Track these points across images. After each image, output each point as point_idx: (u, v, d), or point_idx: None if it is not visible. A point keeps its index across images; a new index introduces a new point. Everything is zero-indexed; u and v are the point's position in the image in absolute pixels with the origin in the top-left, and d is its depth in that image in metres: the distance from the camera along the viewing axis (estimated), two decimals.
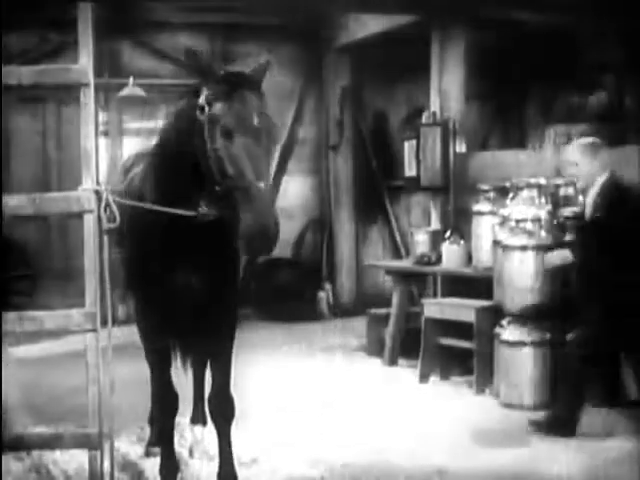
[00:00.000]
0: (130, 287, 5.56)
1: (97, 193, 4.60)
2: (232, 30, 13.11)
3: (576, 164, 6.81)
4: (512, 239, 7.80)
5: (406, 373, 9.21)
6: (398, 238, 13.92)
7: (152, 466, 5.94)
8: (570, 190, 8.18)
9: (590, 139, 7.04)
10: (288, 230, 13.44)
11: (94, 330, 4.63)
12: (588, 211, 6.82)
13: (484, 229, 8.76)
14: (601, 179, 6.76)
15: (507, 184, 8.49)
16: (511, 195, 8.26)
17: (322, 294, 13.52)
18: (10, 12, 5.55)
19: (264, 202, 4.28)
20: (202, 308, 5.14)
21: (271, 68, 4.75)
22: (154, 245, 5.03)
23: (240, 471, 5.56)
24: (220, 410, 5.35)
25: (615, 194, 6.70)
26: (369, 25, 12.24)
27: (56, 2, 9.76)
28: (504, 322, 7.93)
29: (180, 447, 6.16)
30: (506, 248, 7.86)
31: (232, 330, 5.35)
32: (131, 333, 6.46)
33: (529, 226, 7.83)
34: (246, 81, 4.55)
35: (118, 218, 4.59)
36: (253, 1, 11.31)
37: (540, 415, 7.04)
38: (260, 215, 4.25)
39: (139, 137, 11.90)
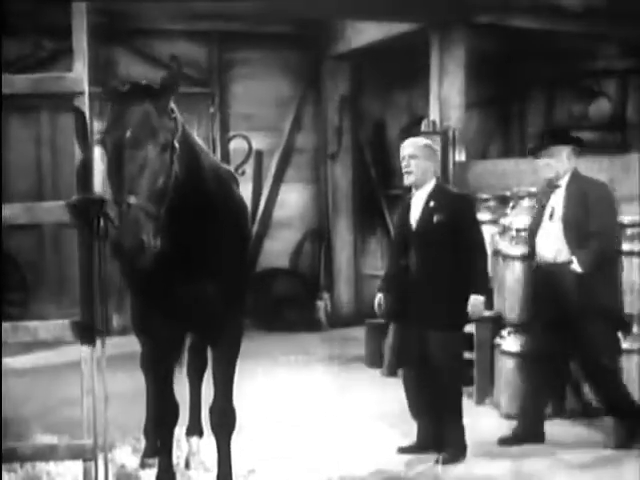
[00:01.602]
0: (131, 296, 5.47)
1: (92, 202, 4.54)
2: (230, 37, 13.06)
3: (413, 157, 6.51)
4: (513, 248, 7.74)
5: None
6: None
7: (148, 477, 5.90)
8: None
9: (428, 140, 6.85)
10: (286, 240, 13.42)
11: None
12: (416, 215, 6.56)
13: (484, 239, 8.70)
14: (430, 184, 6.61)
15: (508, 193, 8.44)
16: (512, 204, 8.20)
17: (320, 304, 13.44)
18: (4, 19, 5.52)
19: (124, 220, 4.22)
20: (205, 318, 5.07)
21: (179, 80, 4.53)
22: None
23: None
24: (221, 422, 5.29)
25: (442, 200, 6.48)
26: (368, 33, 12.20)
27: (50, 4, 9.67)
28: (504, 332, 7.87)
29: (176, 458, 6.09)
30: (506, 258, 7.81)
31: (237, 341, 5.29)
32: (126, 343, 6.41)
33: None
34: (132, 94, 4.39)
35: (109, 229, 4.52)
36: (251, 8, 11.26)
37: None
38: (118, 232, 4.24)
39: None
